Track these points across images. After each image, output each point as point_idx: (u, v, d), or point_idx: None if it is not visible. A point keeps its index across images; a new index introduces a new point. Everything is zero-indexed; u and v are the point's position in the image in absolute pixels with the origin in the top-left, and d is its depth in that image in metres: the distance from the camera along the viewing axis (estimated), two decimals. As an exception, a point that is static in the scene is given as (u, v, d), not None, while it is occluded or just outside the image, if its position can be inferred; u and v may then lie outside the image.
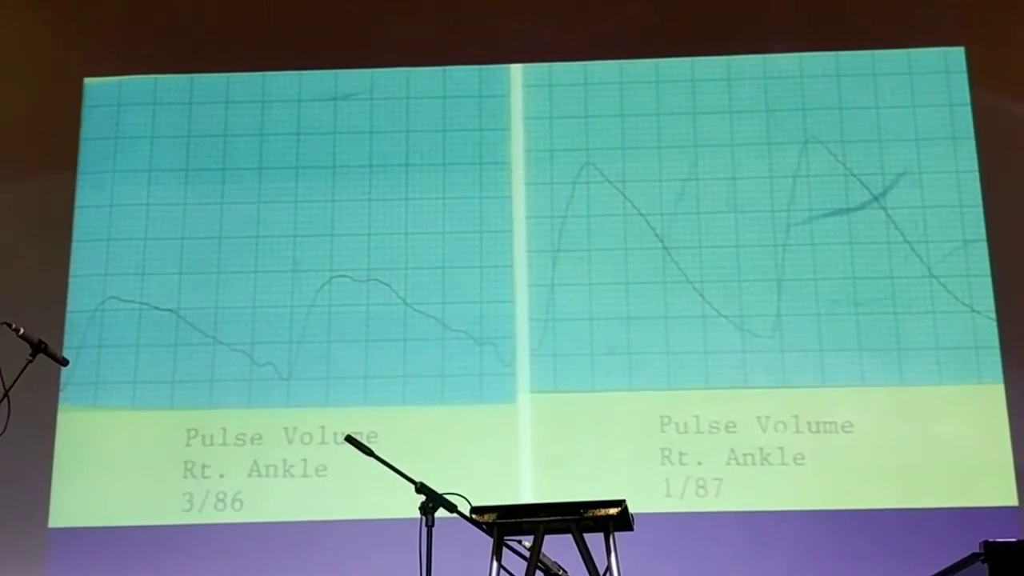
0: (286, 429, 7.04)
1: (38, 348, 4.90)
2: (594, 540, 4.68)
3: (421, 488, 4.86)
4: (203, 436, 7.07)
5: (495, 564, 4.65)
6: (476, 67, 7.50)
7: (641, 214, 7.22)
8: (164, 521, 6.98)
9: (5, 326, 4.85)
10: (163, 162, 7.46)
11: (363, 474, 6.50)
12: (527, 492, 6.84)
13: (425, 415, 6.99)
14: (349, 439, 5.09)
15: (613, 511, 4.67)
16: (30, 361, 4.86)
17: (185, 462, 7.05)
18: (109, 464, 7.08)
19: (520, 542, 4.75)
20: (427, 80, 7.50)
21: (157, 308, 7.24)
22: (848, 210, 7.18)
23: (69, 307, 7.25)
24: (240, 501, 6.97)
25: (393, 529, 6.47)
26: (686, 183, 7.27)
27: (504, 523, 4.69)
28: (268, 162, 7.41)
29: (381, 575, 6.64)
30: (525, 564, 4.68)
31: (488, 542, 4.76)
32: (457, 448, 6.91)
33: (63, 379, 7.07)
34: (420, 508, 4.82)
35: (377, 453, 5.08)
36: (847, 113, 7.32)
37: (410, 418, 6.97)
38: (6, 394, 4.72)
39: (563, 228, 7.24)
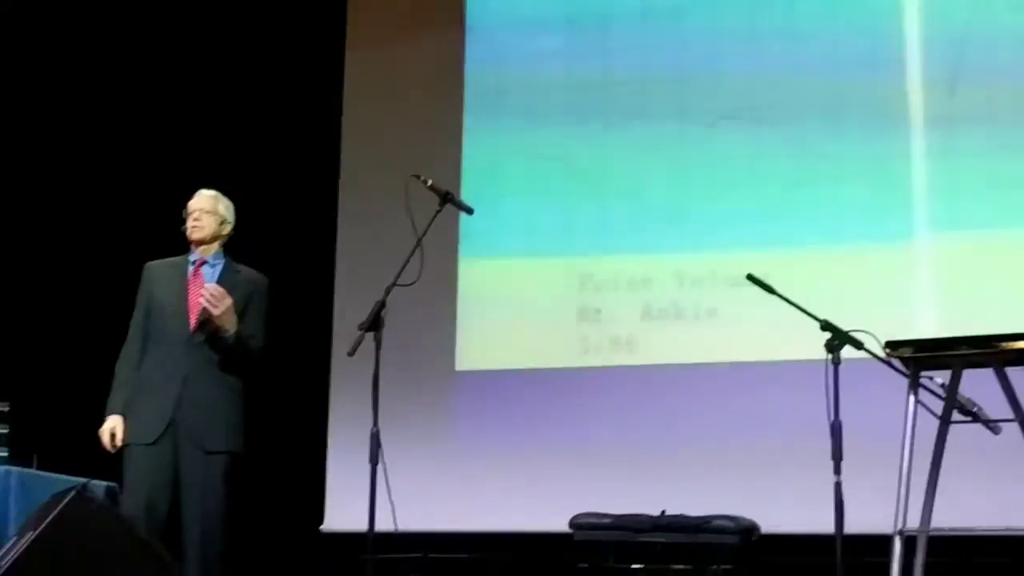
0: (677, 272, 7.08)
1: (445, 198, 5.08)
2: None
3: (826, 326, 4.73)
4: (596, 281, 7.21)
5: (912, 400, 4.42)
6: None
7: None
8: (561, 364, 7.21)
9: (413, 178, 5.04)
10: (545, 9, 7.51)
11: (755, 316, 6.52)
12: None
13: (818, 257, 6.83)
14: (750, 277, 5.03)
15: (1040, 344, 4.32)
16: (439, 211, 5.05)
17: (579, 307, 7.23)
18: (508, 311, 7.36)
19: (931, 379, 4.53)
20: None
21: (548, 157, 7.38)
22: None
23: (464, 160, 7.50)
24: (633, 344, 7.10)
25: (787, 372, 6.45)
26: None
27: (921, 358, 4.39)
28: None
29: (774, 417, 6.63)
30: (941, 403, 4.49)
31: (896, 383, 4.57)
32: (850, 291, 6.69)
33: (462, 230, 7.35)
34: (826, 346, 4.69)
35: (778, 291, 5.00)
36: None
37: (802, 260, 6.83)
38: (418, 243, 4.93)
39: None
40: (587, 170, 7.30)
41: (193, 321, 5.11)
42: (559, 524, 5.25)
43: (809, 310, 4.87)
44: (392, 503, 4.62)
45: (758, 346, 6.77)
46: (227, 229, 5.28)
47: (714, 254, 7.00)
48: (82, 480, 4.13)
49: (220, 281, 5.18)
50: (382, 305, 4.77)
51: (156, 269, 5.28)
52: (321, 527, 7.44)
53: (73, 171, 8.18)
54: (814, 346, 4.77)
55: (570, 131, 7.36)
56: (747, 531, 5.01)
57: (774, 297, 5.00)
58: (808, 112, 6.97)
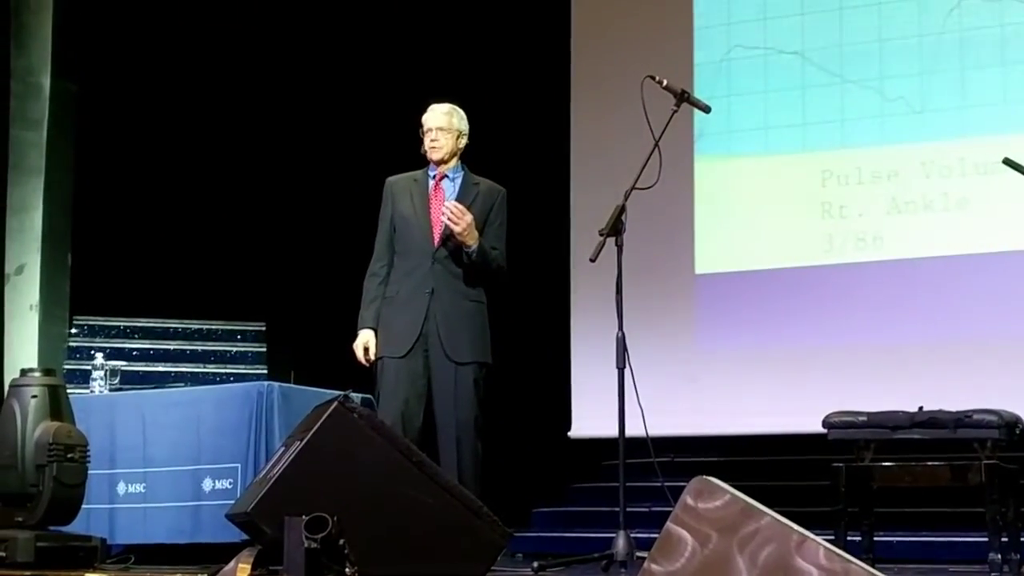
0: (923, 163, 6.82)
1: (682, 97, 4.99)
2: None
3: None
4: (838, 176, 7.01)
5: None
6: None
7: None
8: (804, 263, 7.06)
9: (649, 79, 4.96)
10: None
11: (1010, 205, 6.24)
12: None
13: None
14: (1007, 161, 4.78)
15: None
16: (675, 111, 4.96)
17: (822, 203, 7.04)
18: (746, 211, 7.23)
19: None
20: None
21: (782, 52, 7.18)
22: None
23: (696, 59, 7.37)
24: (880, 239, 6.89)
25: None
26: None
27: None
28: None
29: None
30: None
31: None
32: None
33: (696, 130, 7.24)
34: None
35: (1040, 175, 4.74)
36: None
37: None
38: (656, 145, 4.87)
39: None
40: (824, 62, 7.07)
41: (436, 236, 5.17)
42: (811, 424, 5.16)
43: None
44: (641, 407, 4.61)
45: (1015, 235, 6.48)
46: (463, 142, 5.29)
47: (962, 140, 6.71)
48: (343, 392, 4.25)
49: (460, 194, 5.22)
50: (622, 209, 4.74)
51: (397, 184, 5.34)
52: (569, 433, 7.52)
53: (313, 96, 8.39)
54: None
55: (805, 22, 7.13)
56: (1011, 425, 4.81)
57: (1033, 182, 4.76)
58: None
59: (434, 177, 5.29)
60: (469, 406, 5.09)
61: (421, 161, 5.31)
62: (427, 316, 5.12)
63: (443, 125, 5.23)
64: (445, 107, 5.29)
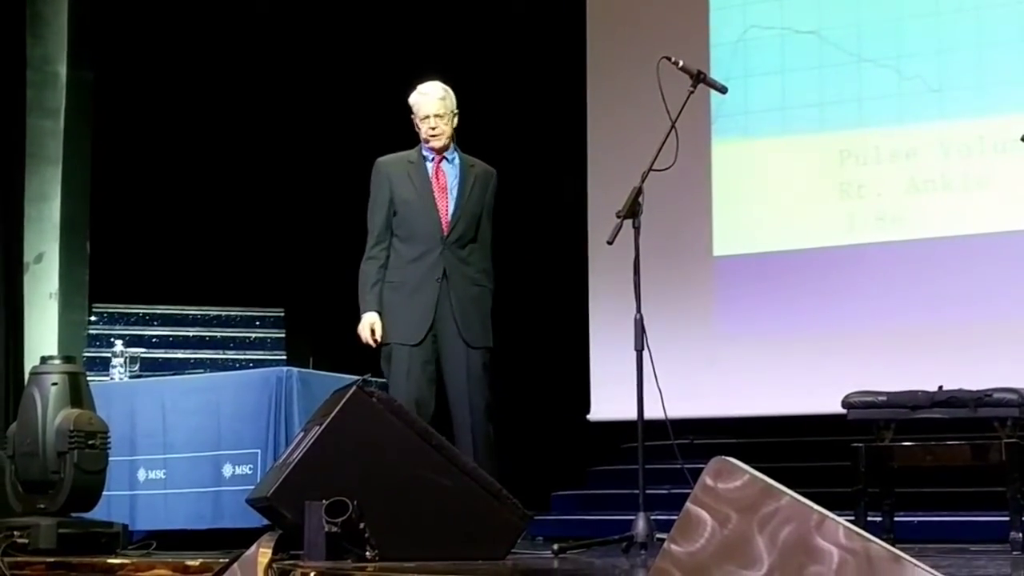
0: (942, 142, 6.78)
1: (698, 78, 4.97)
2: None
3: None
4: (856, 156, 6.98)
5: None
6: None
7: None
8: (822, 244, 7.03)
9: (664, 60, 4.94)
10: None
11: (1030, 183, 6.20)
12: None
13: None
14: (1026, 139, 4.75)
15: None
16: (691, 92, 4.95)
17: (840, 183, 7.01)
18: (764, 192, 7.21)
19: None
20: None
21: (798, 31, 7.14)
22: None
23: (712, 40, 7.33)
24: (899, 219, 6.86)
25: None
26: None
27: None
28: None
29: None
30: None
31: None
32: None
33: (713, 111, 7.21)
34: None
35: (1057, 154, 4.72)
36: None
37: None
38: (673, 126, 4.85)
39: None
40: (840, 41, 7.03)
41: (445, 222, 5.15)
42: (830, 405, 5.15)
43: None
44: (660, 389, 4.60)
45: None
46: (456, 121, 5.25)
47: (980, 119, 6.66)
48: (361, 376, 4.26)
49: (461, 179, 5.21)
50: (639, 191, 4.72)
51: (392, 166, 5.25)
52: (588, 416, 7.51)
53: (331, 82, 8.38)
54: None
55: (821, 1, 7.09)
56: (1031, 404, 4.80)
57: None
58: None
59: (432, 160, 5.26)
60: (482, 390, 5.13)
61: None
62: (439, 302, 5.12)
63: (440, 111, 5.20)
64: (438, 91, 5.23)
